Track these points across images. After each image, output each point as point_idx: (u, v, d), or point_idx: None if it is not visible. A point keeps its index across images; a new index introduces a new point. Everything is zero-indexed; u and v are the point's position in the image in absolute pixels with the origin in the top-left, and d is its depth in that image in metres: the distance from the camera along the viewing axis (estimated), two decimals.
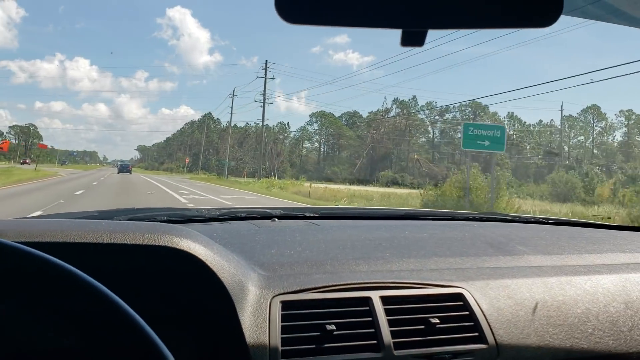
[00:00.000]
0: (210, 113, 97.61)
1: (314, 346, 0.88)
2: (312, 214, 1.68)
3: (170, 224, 0.97)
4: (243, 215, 1.62)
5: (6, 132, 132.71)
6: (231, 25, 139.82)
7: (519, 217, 1.91)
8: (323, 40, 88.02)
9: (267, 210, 1.66)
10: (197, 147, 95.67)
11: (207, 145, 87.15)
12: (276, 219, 1.59)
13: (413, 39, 0.54)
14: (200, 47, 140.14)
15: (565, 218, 1.99)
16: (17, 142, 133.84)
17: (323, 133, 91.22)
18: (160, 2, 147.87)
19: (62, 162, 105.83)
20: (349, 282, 0.99)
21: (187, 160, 57.79)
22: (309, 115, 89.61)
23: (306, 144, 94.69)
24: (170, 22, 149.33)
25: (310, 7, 0.52)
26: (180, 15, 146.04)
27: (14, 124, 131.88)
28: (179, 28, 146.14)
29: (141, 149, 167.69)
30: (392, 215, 1.90)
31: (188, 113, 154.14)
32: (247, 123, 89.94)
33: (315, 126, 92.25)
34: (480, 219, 1.79)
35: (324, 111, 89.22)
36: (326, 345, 0.89)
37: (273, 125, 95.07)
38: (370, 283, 1.00)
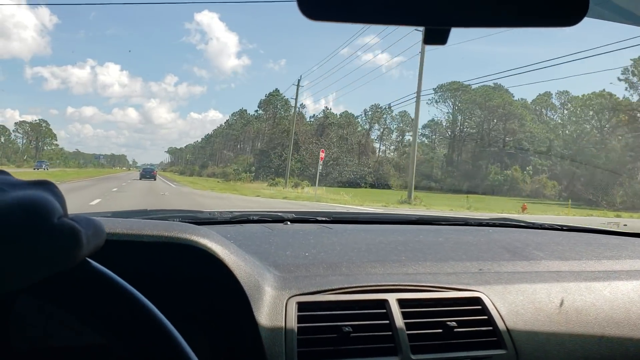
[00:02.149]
0: (277, 90, 67.31)
1: (330, 348, 0.87)
2: (324, 218, 1.68)
3: (186, 224, 0.97)
4: (255, 218, 1.62)
5: (13, 130, 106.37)
6: (258, 28, 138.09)
7: (532, 223, 1.87)
8: (352, 42, 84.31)
9: (279, 214, 1.67)
10: (259, 142, 67.69)
11: (272, 138, 58.64)
12: (288, 223, 1.59)
13: (436, 37, 0.53)
14: (228, 50, 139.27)
15: (579, 225, 1.98)
16: (25, 141, 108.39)
17: (458, 117, 58.31)
18: (188, 7, 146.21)
19: (38, 165, 74.54)
20: (365, 284, 0.98)
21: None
22: (433, 89, 57.26)
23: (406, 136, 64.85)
24: (199, 26, 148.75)
25: (332, 4, 0.51)
26: (207, 19, 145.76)
27: (21, 120, 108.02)
28: (207, 32, 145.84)
29: (172, 151, 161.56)
30: (404, 220, 1.88)
31: (217, 117, 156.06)
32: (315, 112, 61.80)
33: (442, 108, 61.72)
34: (494, 224, 1.78)
35: (457, 81, 57.18)
36: (343, 347, 0.88)
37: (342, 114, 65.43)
38: (387, 285, 0.99)
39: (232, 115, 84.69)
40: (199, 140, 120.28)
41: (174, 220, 1.28)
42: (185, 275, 0.86)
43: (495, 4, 0.51)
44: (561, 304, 1.04)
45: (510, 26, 0.52)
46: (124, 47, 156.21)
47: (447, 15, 0.51)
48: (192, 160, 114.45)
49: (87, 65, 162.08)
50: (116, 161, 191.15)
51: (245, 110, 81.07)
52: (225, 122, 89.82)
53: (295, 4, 0.49)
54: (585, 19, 0.50)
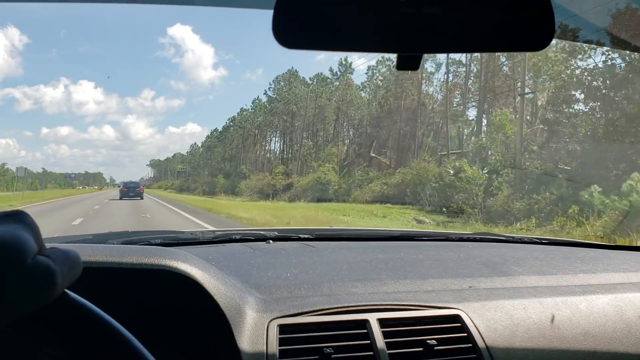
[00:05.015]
0: None
1: None
2: (306, 236, 1.69)
3: (166, 247, 0.98)
4: (237, 237, 1.63)
5: None
6: (233, 39, 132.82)
7: (512, 237, 1.90)
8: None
9: (262, 232, 1.67)
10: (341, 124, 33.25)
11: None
12: (271, 241, 1.60)
13: (408, 63, 0.55)
14: (204, 62, 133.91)
15: (558, 238, 1.98)
16: None
17: None
18: (161, 21, 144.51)
19: None
20: (346, 304, 0.99)
21: None
22: None
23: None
24: (172, 40, 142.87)
25: (306, 33, 0.53)
26: (181, 32, 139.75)
27: None
28: (181, 45, 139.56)
29: (155, 163, 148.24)
30: (387, 236, 1.89)
31: (195, 130, 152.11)
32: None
33: None
34: (474, 239, 1.81)
35: None
36: None
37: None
38: (368, 305, 1.00)
39: (274, 80, 49.28)
40: (199, 143, 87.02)
41: (154, 242, 1.34)
42: (165, 300, 0.87)
43: (465, 31, 0.53)
44: (552, 320, 1.05)
45: (480, 51, 0.54)
46: (97, 64, 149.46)
47: (419, 43, 0.53)
48: (191, 171, 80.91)
49: (61, 84, 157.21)
50: (90, 180, 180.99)
51: (296, 72, 46.39)
52: (258, 98, 53.90)
53: (270, 30, 0.50)
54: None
